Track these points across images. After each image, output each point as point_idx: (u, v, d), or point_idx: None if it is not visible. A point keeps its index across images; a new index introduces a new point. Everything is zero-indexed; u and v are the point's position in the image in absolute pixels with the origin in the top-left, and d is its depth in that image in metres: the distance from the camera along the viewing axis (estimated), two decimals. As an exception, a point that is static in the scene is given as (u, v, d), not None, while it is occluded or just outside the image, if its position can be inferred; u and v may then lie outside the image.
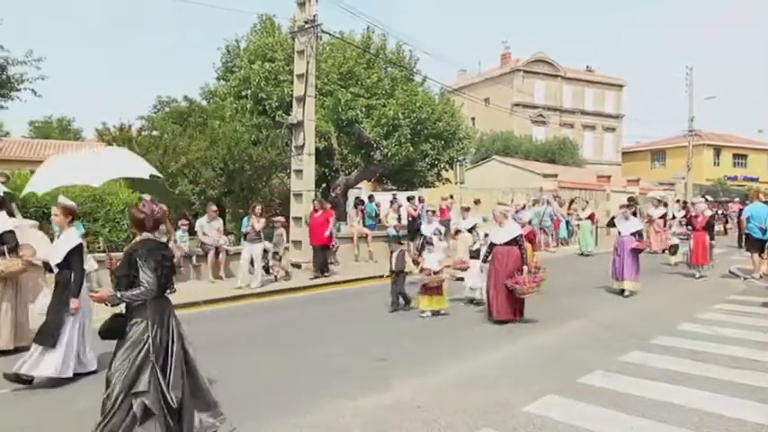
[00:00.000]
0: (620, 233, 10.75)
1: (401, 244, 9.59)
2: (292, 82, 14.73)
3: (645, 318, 8.64)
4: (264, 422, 4.63)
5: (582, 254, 17.90)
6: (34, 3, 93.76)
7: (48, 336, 5.49)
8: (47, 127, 45.12)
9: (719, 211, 23.88)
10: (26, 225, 7.70)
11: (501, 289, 8.13)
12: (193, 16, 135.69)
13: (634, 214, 11.75)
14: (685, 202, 20.98)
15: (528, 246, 9.08)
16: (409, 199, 18.08)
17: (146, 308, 4.01)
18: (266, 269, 12.38)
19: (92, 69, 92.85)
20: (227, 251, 12.28)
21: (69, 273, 5.58)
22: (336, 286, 12.25)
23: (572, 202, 21.03)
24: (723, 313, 8.86)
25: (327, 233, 12.68)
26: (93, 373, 5.76)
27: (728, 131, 52.06)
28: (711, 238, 12.85)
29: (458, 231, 12.84)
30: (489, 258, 8.58)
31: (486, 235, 9.43)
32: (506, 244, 8.35)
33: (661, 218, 17.40)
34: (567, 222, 20.54)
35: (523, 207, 16.60)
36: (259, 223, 11.48)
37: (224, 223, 13.17)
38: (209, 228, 12.28)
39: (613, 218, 11.60)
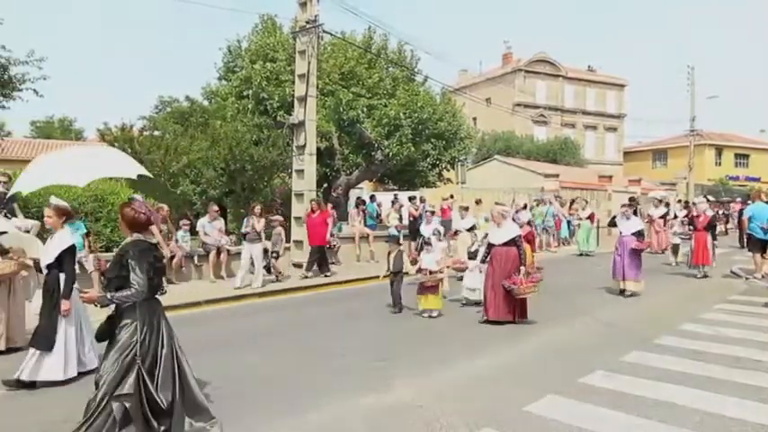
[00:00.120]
0: (621, 233, 10.71)
1: (399, 244, 9.55)
2: (294, 82, 14.73)
3: (646, 318, 8.63)
4: (265, 422, 4.63)
5: (581, 254, 17.86)
6: (36, 3, 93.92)
7: (43, 339, 5.43)
8: (48, 127, 45.21)
9: (721, 211, 23.83)
10: (29, 225, 7.71)
11: (498, 290, 8.09)
12: (195, 16, 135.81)
13: (635, 213, 11.71)
14: (687, 202, 20.94)
15: (527, 247, 9.05)
16: (411, 199, 18.08)
17: (135, 310, 3.97)
18: (267, 269, 12.40)
19: (94, 69, 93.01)
20: (228, 251, 12.29)
21: (59, 274, 5.50)
22: (338, 286, 12.25)
23: (573, 202, 21.01)
24: (725, 313, 8.85)
25: (329, 236, 12.71)
26: (96, 371, 5.77)
27: (730, 131, 52.00)
28: (713, 239, 12.83)
29: (456, 232, 12.84)
30: (488, 259, 8.56)
31: (486, 236, 9.41)
32: (505, 244, 8.31)
33: (661, 218, 17.37)
34: (569, 222, 20.53)
35: (524, 207, 16.58)
36: (259, 223, 11.49)
37: (225, 223, 13.19)
38: (211, 228, 12.29)
39: (614, 217, 11.57)
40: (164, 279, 4.26)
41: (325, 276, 12.74)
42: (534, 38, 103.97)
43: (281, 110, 17.74)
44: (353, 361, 6.37)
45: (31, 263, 6.42)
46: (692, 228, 13.00)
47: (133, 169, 5.44)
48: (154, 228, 11.40)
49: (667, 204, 18.80)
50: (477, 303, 9.16)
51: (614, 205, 22.91)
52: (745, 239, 14.12)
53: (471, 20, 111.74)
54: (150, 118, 20.85)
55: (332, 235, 14.83)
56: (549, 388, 5.31)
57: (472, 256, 9.72)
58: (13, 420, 4.77)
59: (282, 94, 17.84)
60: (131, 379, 3.82)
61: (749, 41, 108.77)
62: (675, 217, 16.65)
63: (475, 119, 40.78)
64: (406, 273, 9.26)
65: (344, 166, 19.95)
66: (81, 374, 5.68)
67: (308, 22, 13.50)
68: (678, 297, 10.52)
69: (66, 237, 5.62)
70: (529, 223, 11.52)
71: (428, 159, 20.36)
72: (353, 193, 21.87)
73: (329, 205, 15.73)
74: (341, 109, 18.13)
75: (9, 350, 6.48)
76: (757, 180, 46.11)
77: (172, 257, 11.41)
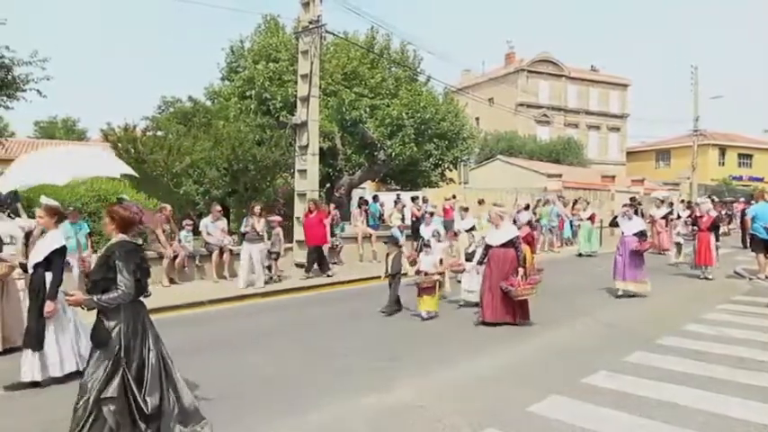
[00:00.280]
0: (623, 233, 10.63)
1: (398, 246, 9.50)
2: (296, 82, 14.74)
3: (649, 318, 8.62)
4: (265, 422, 4.64)
5: (581, 255, 17.80)
6: (39, 3, 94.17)
7: (33, 339, 5.40)
8: (52, 127, 45.32)
9: (723, 212, 23.77)
10: (32, 225, 7.72)
11: (496, 291, 8.02)
12: (198, 17, 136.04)
13: (636, 214, 11.66)
14: (689, 203, 20.90)
15: (526, 248, 9.00)
16: (413, 199, 18.08)
17: (119, 312, 3.89)
18: (269, 268, 12.43)
19: (97, 70, 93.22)
20: (231, 251, 12.31)
21: (45, 274, 5.43)
22: (340, 286, 12.26)
23: (575, 202, 20.99)
24: (728, 314, 8.83)
25: (329, 236, 12.70)
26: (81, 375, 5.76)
27: (734, 131, 51.87)
28: (716, 239, 12.76)
29: (456, 233, 12.81)
30: (485, 260, 8.48)
31: (482, 237, 9.35)
32: (502, 246, 8.24)
33: (663, 218, 17.31)
34: (571, 223, 20.50)
35: (526, 208, 16.58)
36: (259, 223, 11.51)
37: (228, 223, 13.20)
38: (214, 228, 12.31)
39: (615, 218, 11.50)
40: (149, 281, 4.15)
41: (327, 276, 12.74)
42: (537, 38, 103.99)
43: (284, 110, 17.73)
44: (355, 361, 6.37)
45: (16, 261, 6.34)
46: (695, 228, 12.95)
47: (116, 168, 5.39)
48: (157, 228, 11.51)
49: (671, 204, 18.76)
50: (475, 305, 9.12)
51: (617, 205, 22.85)
52: (749, 240, 14.07)
53: (474, 20, 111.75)
54: (153, 118, 20.88)
55: (334, 235, 14.86)
56: (552, 388, 5.31)
57: (469, 257, 9.64)
58: (14, 420, 4.78)
59: (285, 95, 17.85)
60: (116, 382, 3.76)
61: (752, 41, 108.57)
62: (678, 217, 16.63)
63: (478, 119, 40.76)
64: (405, 274, 9.21)
65: (347, 167, 19.94)
66: (82, 373, 5.70)
67: (310, 23, 13.50)
68: (681, 297, 10.49)
69: (57, 237, 5.55)
70: (529, 224, 11.46)
71: (431, 159, 20.32)
72: (356, 194, 21.88)
73: (332, 205, 15.74)
74: (343, 109, 18.13)
75: (9, 350, 6.47)
76: (761, 180, 45.94)
77: (175, 257, 11.44)
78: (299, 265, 13.33)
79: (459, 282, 10.11)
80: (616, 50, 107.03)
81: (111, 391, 3.74)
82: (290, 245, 13.88)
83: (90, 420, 3.72)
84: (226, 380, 5.70)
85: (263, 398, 5.22)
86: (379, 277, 9.76)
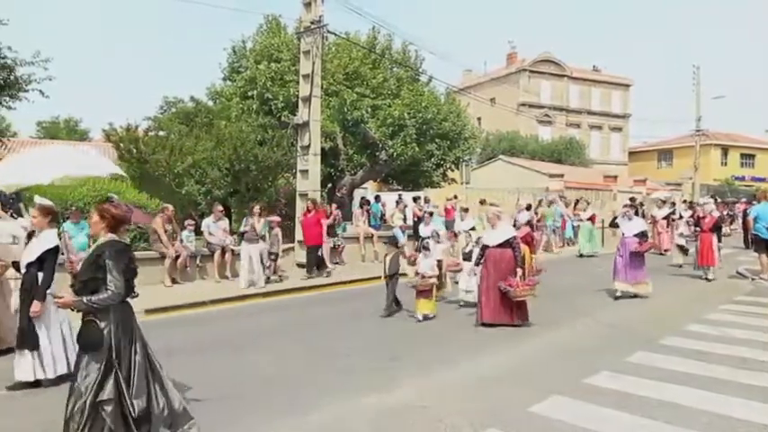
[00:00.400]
0: (623, 234, 10.51)
1: (396, 247, 9.45)
2: (298, 82, 14.75)
3: (651, 318, 8.61)
4: (267, 422, 4.64)
5: (582, 255, 17.77)
6: (41, 3, 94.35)
7: (25, 339, 5.37)
8: (54, 127, 45.37)
9: (725, 212, 23.72)
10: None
11: (494, 292, 7.97)
12: (200, 17, 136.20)
13: (636, 214, 11.59)
14: (691, 203, 20.85)
15: (525, 248, 8.96)
16: (415, 199, 18.08)
17: (109, 313, 3.82)
18: (268, 268, 12.46)
19: (99, 70, 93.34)
20: (233, 251, 12.32)
21: (38, 274, 5.39)
22: (342, 286, 12.26)
23: (578, 201, 20.96)
24: (730, 314, 8.81)
25: (324, 236, 12.65)
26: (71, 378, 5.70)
27: (736, 131, 51.79)
28: (719, 240, 12.67)
29: (456, 233, 12.80)
30: (482, 261, 8.43)
31: (480, 237, 9.30)
32: (499, 246, 8.18)
33: (665, 218, 17.27)
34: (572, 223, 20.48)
35: (528, 208, 16.58)
36: (259, 223, 11.52)
37: (230, 223, 13.20)
38: (216, 228, 12.32)
39: (615, 218, 11.42)
40: (135, 281, 4.08)
41: (327, 276, 12.71)
42: (539, 38, 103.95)
43: (286, 110, 17.75)
44: (357, 361, 6.37)
45: (8, 261, 6.28)
46: (697, 229, 12.89)
47: (104, 168, 5.36)
48: (159, 227, 11.52)
49: (673, 204, 18.72)
50: (474, 305, 9.03)
51: (619, 205, 22.82)
52: (751, 240, 14.04)
53: (475, 20, 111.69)
54: (155, 118, 20.94)
55: (336, 235, 14.87)
56: (553, 388, 5.30)
57: (467, 257, 9.57)
58: (14, 420, 4.78)
59: (287, 95, 17.86)
60: (110, 384, 3.72)
61: (755, 41, 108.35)
62: (681, 217, 16.58)
63: (479, 119, 40.73)
64: (404, 274, 9.14)
65: (349, 167, 19.95)
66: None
67: (312, 23, 13.52)
68: (683, 298, 10.48)
69: (50, 237, 5.50)
70: (529, 224, 11.43)
71: (432, 159, 20.33)
72: (358, 194, 21.89)
73: (333, 205, 15.74)
74: (345, 109, 18.14)
75: (7, 351, 6.40)
76: (763, 180, 45.81)
77: (177, 257, 11.45)
78: (300, 265, 13.33)
79: (457, 282, 10.09)
80: (618, 50, 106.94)
81: (107, 393, 3.70)
82: (291, 245, 13.89)
83: (89, 425, 3.67)
84: (227, 380, 5.71)
85: (264, 398, 5.22)
86: (380, 277, 9.73)
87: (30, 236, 6.71)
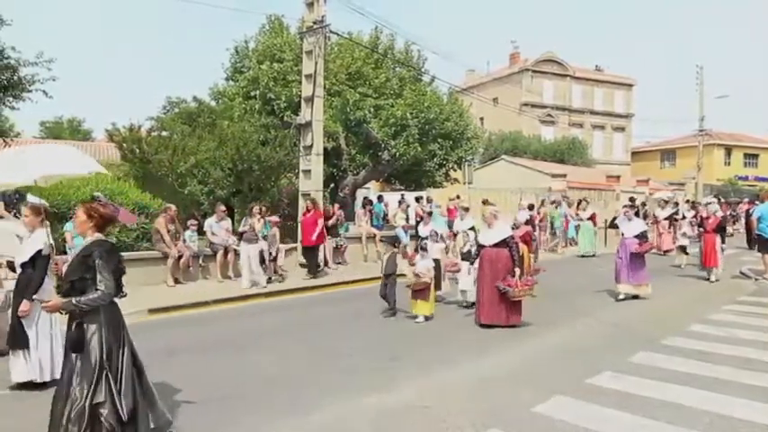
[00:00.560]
0: (623, 235, 10.41)
1: (395, 247, 9.37)
2: (301, 82, 14.76)
3: (654, 319, 8.59)
4: (269, 422, 4.64)
5: (582, 255, 17.70)
6: (44, 4, 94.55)
7: (15, 339, 5.33)
8: (57, 127, 45.50)
9: (728, 212, 23.62)
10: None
11: (489, 292, 7.92)
12: (202, 17, 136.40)
13: (636, 214, 11.51)
14: (694, 203, 20.79)
15: (524, 248, 8.91)
16: (417, 199, 18.08)
17: (99, 314, 3.78)
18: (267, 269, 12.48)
19: (102, 70, 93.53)
20: (235, 251, 12.33)
21: (33, 274, 5.33)
22: (344, 286, 12.26)
23: (580, 202, 20.91)
24: (733, 314, 8.80)
25: (314, 237, 12.59)
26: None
27: (740, 131, 51.65)
28: (722, 241, 12.55)
29: (456, 233, 12.75)
30: (477, 260, 8.35)
31: (476, 236, 9.25)
32: (495, 245, 8.12)
33: (667, 219, 17.22)
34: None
35: (531, 208, 16.55)
36: (259, 223, 11.52)
37: (232, 223, 13.21)
38: (218, 228, 12.33)
39: (614, 219, 11.33)
40: (125, 281, 4.03)
41: (320, 276, 12.60)
42: (541, 38, 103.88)
43: (289, 110, 17.75)
44: (359, 361, 6.38)
45: (3, 260, 6.26)
46: (701, 229, 12.81)
47: (86, 166, 5.31)
48: (162, 227, 11.53)
49: (676, 204, 18.66)
50: (473, 304, 8.96)
51: (622, 205, 22.82)
52: (755, 240, 13.98)
53: (478, 20, 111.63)
54: (158, 118, 20.93)
55: (338, 235, 14.88)
56: (556, 389, 5.30)
57: (465, 257, 9.50)
58: (14, 420, 4.79)
59: (289, 95, 17.87)
60: (103, 386, 3.68)
61: (758, 40, 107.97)
62: (684, 218, 16.53)
63: (482, 119, 40.73)
64: (402, 275, 9.05)
65: (351, 167, 19.96)
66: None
67: (314, 23, 13.52)
68: (686, 298, 10.46)
69: (43, 236, 5.35)
70: (528, 223, 11.38)
71: (435, 159, 20.33)
72: (360, 194, 21.89)
73: (336, 205, 15.75)
74: (348, 109, 18.15)
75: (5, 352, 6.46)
76: (767, 180, 45.76)
77: (179, 257, 11.47)
78: (302, 266, 13.34)
79: (457, 282, 10.05)
80: (621, 50, 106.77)
81: (102, 395, 3.66)
82: (294, 245, 13.89)
83: (89, 429, 3.63)
84: (229, 379, 5.72)
85: (265, 397, 5.23)
86: (379, 278, 9.70)
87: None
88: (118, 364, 3.82)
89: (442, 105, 19.95)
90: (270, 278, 11.98)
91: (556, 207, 19.82)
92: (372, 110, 18.47)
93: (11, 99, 14.54)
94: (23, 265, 5.43)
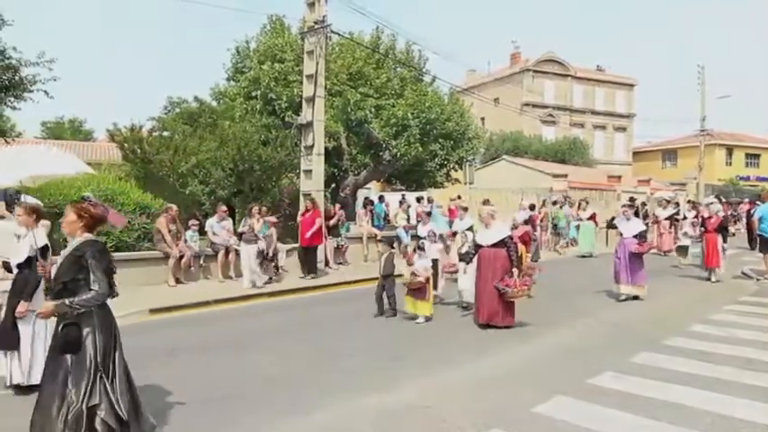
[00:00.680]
0: (621, 235, 10.34)
1: (392, 247, 9.28)
2: (302, 82, 14.76)
3: (655, 319, 8.58)
4: (270, 422, 4.64)
5: (583, 256, 17.67)
6: (46, 4, 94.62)
7: (5, 339, 5.27)
8: (59, 128, 45.58)
9: (729, 212, 23.58)
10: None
11: (487, 293, 7.88)
12: (203, 17, 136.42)
13: (636, 214, 11.46)
14: (694, 202, 20.74)
15: (522, 248, 8.86)
16: (418, 199, 18.07)
17: (92, 316, 3.74)
18: (276, 268, 12.49)
19: (103, 71, 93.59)
20: (236, 251, 12.33)
21: (29, 274, 5.28)
22: (346, 286, 12.26)
23: (580, 203, 20.88)
24: (735, 314, 8.79)
25: (308, 235, 12.56)
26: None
27: (741, 131, 51.60)
28: (724, 241, 12.50)
29: (455, 233, 12.72)
30: (473, 260, 8.29)
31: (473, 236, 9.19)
32: (493, 246, 8.07)
33: (668, 219, 17.17)
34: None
35: (531, 208, 16.52)
36: (259, 224, 11.52)
37: (234, 223, 13.21)
38: (219, 228, 12.34)
39: (613, 219, 11.27)
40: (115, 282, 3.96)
41: (312, 278, 12.53)
42: (542, 37, 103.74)
43: (290, 110, 17.77)
44: (360, 361, 6.38)
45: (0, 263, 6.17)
46: (703, 229, 12.77)
47: (72, 166, 5.29)
48: (163, 227, 11.53)
49: (677, 204, 18.63)
50: (472, 305, 8.92)
51: (621, 205, 22.78)
52: (757, 241, 13.95)
53: (479, 20, 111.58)
54: (159, 118, 20.91)
55: (339, 235, 14.88)
56: (557, 389, 5.29)
57: (463, 257, 9.37)
58: (14, 420, 4.77)
59: (291, 95, 17.88)
60: (98, 388, 3.65)
61: (760, 40, 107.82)
62: (685, 218, 16.49)
63: (483, 119, 40.71)
64: (400, 275, 8.97)
65: (352, 167, 19.97)
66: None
67: (316, 23, 13.52)
68: (687, 298, 10.44)
69: (40, 236, 5.39)
70: (527, 222, 11.35)
71: (436, 159, 20.33)
72: (361, 194, 21.90)
73: (337, 205, 15.74)
74: (349, 109, 18.15)
75: None
76: (768, 180, 45.75)
77: (181, 257, 11.48)
78: (304, 265, 13.32)
79: (454, 281, 9.98)
80: (622, 50, 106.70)
81: (98, 397, 3.64)
82: (295, 245, 13.88)
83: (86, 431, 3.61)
84: (230, 379, 5.72)
85: (266, 397, 5.23)
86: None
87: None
88: (113, 365, 3.81)
89: (443, 105, 19.95)
90: (270, 278, 11.99)
91: (560, 207, 19.78)
92: (373, 110, 18.48)
93: (12, 99, 14.56)
94: (20, 266, 5.39)
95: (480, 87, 42.70)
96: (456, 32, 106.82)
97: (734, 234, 22.20)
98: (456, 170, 22.23)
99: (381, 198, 19.75)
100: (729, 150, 49.33)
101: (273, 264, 12.42)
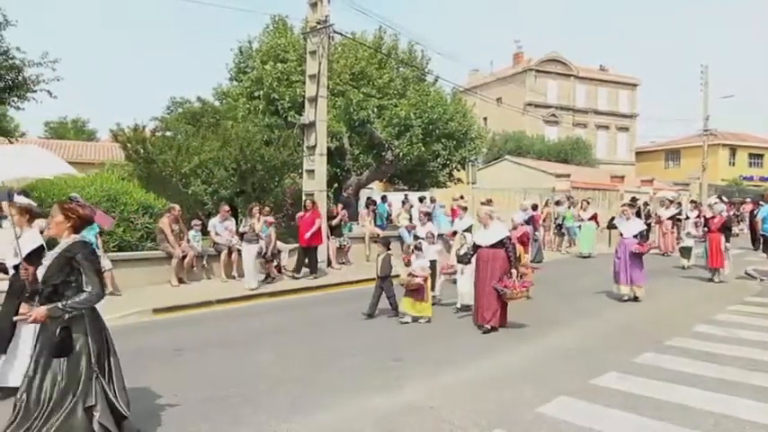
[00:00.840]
0: (622, 235, 10.29)
1: (388, 249, 9.16)
2: (304, 82, 14.76)
3: (659, 319, 8.57)
4: (272, 422, 4.64)
5: (585, 256, 17.64)
6: (48, 4, 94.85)
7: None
8: (62, 128, 45.70)
9: (732, 212, 23.48)
10: (41, 225, 7.74)
11: (485, 293, 7.85)
12: (206, 17, 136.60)
13: (638, 215, 11.41)
14: (695, 202, 20.67)
15: (520, 248, 8.83)
16: (421, 200, 18.05)
17: (83, 319, 3.71)
18: (278, 269, 12.48)
19: (106, 71, 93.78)
20: (239, 251, 12.33)
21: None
22: (348, 286, 12.26)
23: (582, 202, 20.82)
24: (739, 315, 8.77)
25: (308, 235, 12.54)
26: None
27: (744, 131, 51.48)
28: (726, 241, 12.45)
29: (454, 233, 12.71)
30: (472, 260, 8.27)
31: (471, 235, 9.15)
32: (491, 246, 8.03)
33: (670, 218, 17.09)
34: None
35: (534, 208, 16.48)
36: (259, 224, 11.53)
37: (236, 223, 13.23)
38: (222, 228, 12.35)
39: (612, 219, 11.22)
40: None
41: (314, 278, 12.52)
42: (545, 37, 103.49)
43: (292, 110, 17.78)
44: (364, 361, 6.37)
45: None
46: (706, 229, 12.72)
47: (59, 168, 5.23)
48: (166, 227, 11.54)
49: (679, 204, 18.58)
50: (467, 307, 8.92)
51: (621, 204, 22.68)
52: (761, 241, 13.92)
53: (482, 20, 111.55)
54: (162, 119, 21.01)
55: (342, 235, 14.87)
56: (560, 389, 5.29)
57: (460, 259, 9.28)
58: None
59: (293, 95, 17.89)
60: (94, 389, 3.64)
61: (762, 40, 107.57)
62: (687, 218, 16.43)
63: (486, 119, 40.66)
64: (397, 275, 8.92)
65: (355, 167, 19.96)
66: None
67: (318, 23, 13.52)
68: (691, 299, 10.42)
69: (35, 236, 5.30)
70: (528, 222, 11.33)
71: (438, 159, 20.31)
72: (364, 194, 21.89)
73: (340, 205, 15.73)
74: (351, 109, 18.15)
75: None
76: (772, 180, 45.62)
77: (183, 257, 11.49)
78: (305, 266, 13.33)
79: (453, 283, 9.94)
80: (625, 50, 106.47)
81: (93, 398, 3.63)
82: (296, 245, 13.88)
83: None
84: (232, 379, 5.72)
85: (268, 397, 5.23)
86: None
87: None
88: (109, 364, 3.81)
89: (445, 105, 19.92)
90: (273, 278, 11.99)
91: (568, 207, 19.72)
92: (376, 110, 18.47)
93: (16, 99, 14.61)
94: (16, 267, 5.29)
95: (483, 87, 42.68)
96: (459, 32, 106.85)
97: (737, 234, 22.15)
98: (458, 170, 22.21)
99: (384, 198, 19.73)
100: (733, 150, 49.20)
101: (275, 264, 12.43)
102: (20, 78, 14.27)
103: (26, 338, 5.20)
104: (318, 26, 13.50)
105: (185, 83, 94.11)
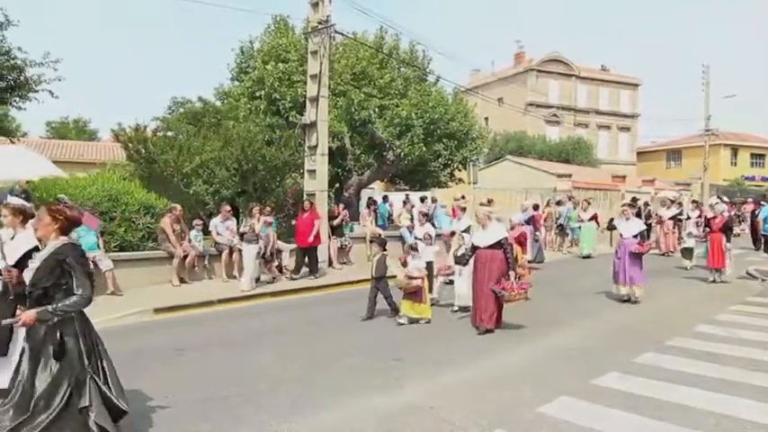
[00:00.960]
0: (621, 235, 10.24)
1: (384, 249, 9.14)
2: (306, 82, 14.77)
3: (660, 319, 8.56)
4: (272, 422, 4.65)
5: (584, 256, 17.62)
6: (50, 4, 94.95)
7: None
8: (63, 128, 45.77)
9: (733, 212, 23.44)
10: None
11: (483, 295, 7.82)
12: (207, 17, 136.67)
13: (638, 215, 11.39)
14: (696, 202, 20.65)
15: (518, 248, 8.81)
16: (422, 200, 18.05)
17: (73, 322, 3.70)
18: (279, 269, 12.49)
19: (108, 71, 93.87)
20: (240, 251, 12.35)
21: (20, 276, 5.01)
22: (349, 286, 12.25)
23: (583, 202, 20.80)
24: (740, 315, 8.76)
25: (311, 238, 12.54)
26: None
27: (746, 131, 51.41)
28: (728, 240, 12.41)
29: (453, 233, 12.69)
30: (470, 262, 8.27)
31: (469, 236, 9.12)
32: (490, 247, 7.99)
33: (672, 218, 17.06)
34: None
35: (535, 208, 16.46)
36: (259, 224, 11.54)
37: (237, 223, 13.24)
38: (223, 228, 12.37)
39: (612, 220, 11.19)
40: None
41: (315, 278, 12.54)
42: (547, 37, 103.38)
43: (294, 110, 17.78)
44: (364, 361, 6.38)
45: None
46: (707, 229, 12.69)
47: (45, 168, 5.21)
48: (167, 227, 11.56)
49: (680, 204, 18.56)
50: (465, 308, 8.88)
51: (621, 204, 22.64)
52: (762, 241, 13.90)
53: (483, 20, 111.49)
54: (164, 118, 21.03)
55: (343, 235, 14.88)
56: (561, 389, 5.29)
57: (458, 260, 9.19)
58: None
59: (294, 95, 17.90)
60: (87, 390, 3.63)
61: (764, 40, 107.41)
62: (688, 218, 16.40)
63: (487, 119, 40.66)
64: (393, 276, 8.86)
65: (356, 167, 19.96)
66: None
67: (319, 23, 13.53)
68: (692, 299, 10.42)
69: (29, 237, 5.12)
70: (528, 222, 11.33)
71: (440, 159, 20.30)
72: (365, 194, 21.89)
73: (341, 205, 15.74)
74: (353, 109, 18.15)
75: None
76: (773, 180, 45.56)
77: (185, 257, 11.51)
78: (306, 266, 13.33)
79: (448, 283, 9.87)
80: (627, 49, 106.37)
81: (88, 399, 3.61)
82: (293, 247, 13.88)
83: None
84: (233, 379, 5.73)
85: (269, 397, 5.23)
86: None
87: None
88: (101, 365, 3.81)
89: (446, 105, 19.92)
90: (274, 278, 11.99)
91: (574, 207, 19.68)
92: (377, 110, 18.47)
93: (17, 99, 14.64)
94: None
95: (484, 87, 42.65)
96: (460, 32, 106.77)
97: (738, 234, 22.10)
98: (460, 170, 22.20)
99: (385, 198, 19.73)
100: (734, 150, 49.15)
101: (276, 264, 12.43)
102: (21, 78, 14.29)
103: (21, 341, 5.25)
104: (320, 26, 13.51)
105: (187, 83, 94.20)
